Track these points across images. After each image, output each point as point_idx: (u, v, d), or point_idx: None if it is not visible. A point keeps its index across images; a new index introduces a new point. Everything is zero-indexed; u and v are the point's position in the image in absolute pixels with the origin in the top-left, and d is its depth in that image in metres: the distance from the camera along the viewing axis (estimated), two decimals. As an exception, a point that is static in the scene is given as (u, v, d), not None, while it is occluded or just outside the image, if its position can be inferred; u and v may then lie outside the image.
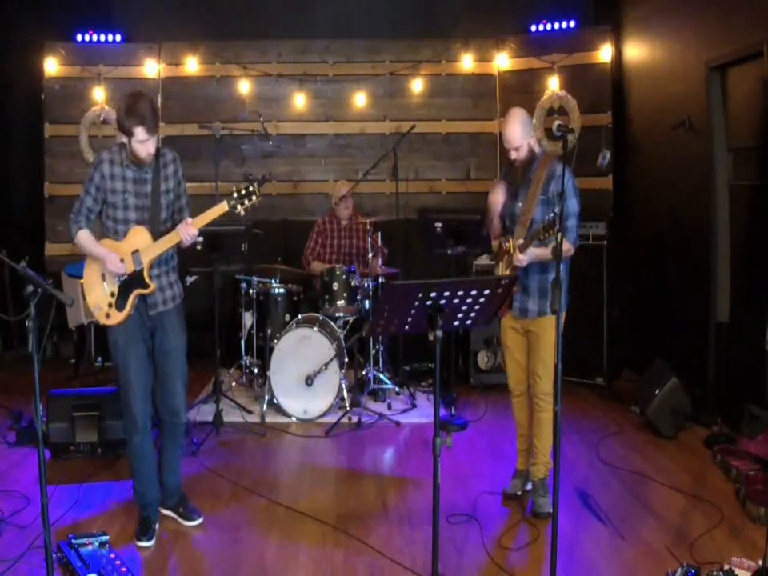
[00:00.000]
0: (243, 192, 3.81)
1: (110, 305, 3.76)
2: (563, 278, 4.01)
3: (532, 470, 4.26)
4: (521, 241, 4.00)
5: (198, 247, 4.28)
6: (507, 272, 4.15)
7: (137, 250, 3.75)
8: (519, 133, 4.07)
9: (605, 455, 4.94)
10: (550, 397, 3.99)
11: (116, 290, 3.77)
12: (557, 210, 3.95)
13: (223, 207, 3.77)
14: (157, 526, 3.90)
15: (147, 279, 3.77)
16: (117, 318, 3.76)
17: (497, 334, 6.48)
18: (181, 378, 3.95)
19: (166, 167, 3.84)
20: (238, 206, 3.81)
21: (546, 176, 4.04)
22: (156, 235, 3.78)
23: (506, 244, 4.15)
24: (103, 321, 3.78)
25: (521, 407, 4.39)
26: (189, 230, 3.72)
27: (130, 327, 3.79)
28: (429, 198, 7.73)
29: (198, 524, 3.99)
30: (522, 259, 3.98)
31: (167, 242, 3.77)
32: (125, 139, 3.69)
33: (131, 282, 3.77)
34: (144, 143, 3.64)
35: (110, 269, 3.73)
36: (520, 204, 4.15)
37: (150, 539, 3.78)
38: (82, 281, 6.46)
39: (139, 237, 3.76)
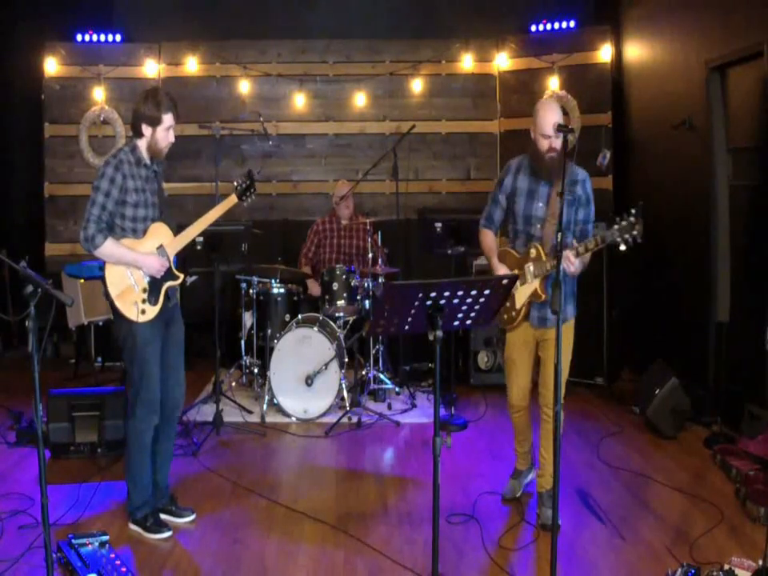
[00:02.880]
0: (244, 185, 4.15)
1: (144, 301, 3.79)
2: (568, 282, 3.96)
3: (539, 482, 4.12)
4: (581, 247, 3.69)
5: (198, 247, 4.35)
6: (537, 283, 3.91)
7: (161, 245, 3.85)
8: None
9: (605, 455, 4.94)
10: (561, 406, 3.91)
11: (146, 286, 3.81)
12: (581, 215, 3.92)
13: (233, 199, 4.09)
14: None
15: (175, 271, 3.90)
16: (152, 312, 3.81)
17: (497, 334, 6.50)
18: (183, 368, 4.06)
19: (159, 166, 3.96)
20: (244, 198, 4.14)
21: (570, 179, 3.84)
22: (172, 230, 3.91)
23: (533, 250, 3.94)
24: (140, 318, 3.77)
25: (523, 419, 4.27)
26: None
27: (156, 322, 3.84)
28: (429, 198, 7.73)
29: (192, 520, 4.00)
30: (575, 264, 3.71)
31: (193, 231, 3.96)
32: (147, 132, 3.77)
33: (162, 276, 3.84)
34: (169, 130, 3.79)
35: (153, 271, 3.79)
36: (541, 205, 3.94)
37: (169, 528, 3.85)
38: (81, 281, 6.57)
39: (160, 232, 3.86)
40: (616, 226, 3.52)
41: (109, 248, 3.68)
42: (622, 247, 3.49)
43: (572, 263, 3.71)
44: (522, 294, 4.00)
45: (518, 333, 4.11)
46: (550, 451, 3.90)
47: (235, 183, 4.17)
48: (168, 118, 3.77)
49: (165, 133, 3.78)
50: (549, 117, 3.87)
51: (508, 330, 4.15)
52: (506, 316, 4.11)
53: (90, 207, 3.66)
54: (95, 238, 3.64)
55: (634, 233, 3.47)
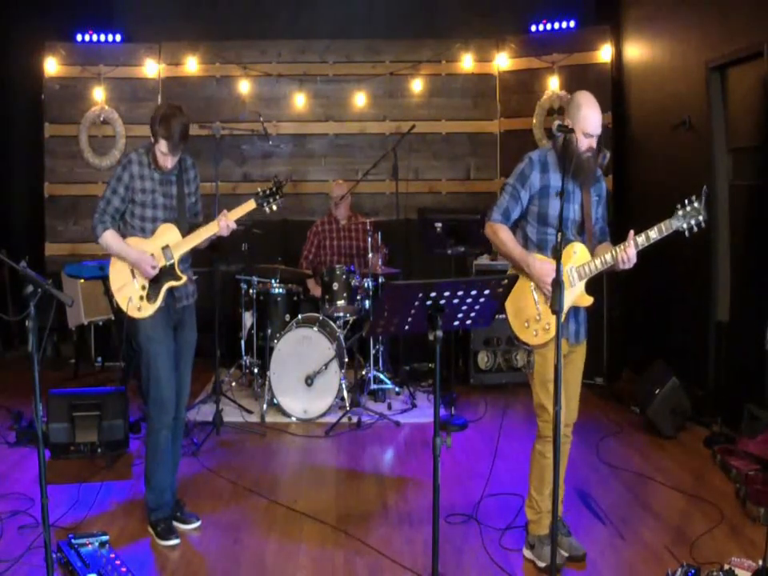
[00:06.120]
0: (268, 192, 4.04)
1: (141, 297, 3.84)
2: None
3: (559, 508, 3.63)
4: (641, 237, 3.53)
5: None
6: (582, 285, 3.55)
7: (167, 245, 3.86)
8: None
9: (605, 455, 4.94)
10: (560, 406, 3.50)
11: (146, 284, 3.85)
12: (600, 213, 3.83)
13: (251, 204, 4.00)
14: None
15: (179, 272, 3.90)
16: (148, 310, 3.84)
17: (497, 334, 6.50)
18: (191, 372, 4.07)
19: (187, 172, 3.98)
20: (264, 204, 4.03)
21: (595, 177, 3.78)
22: (183, 233, 3.90)
23: (575, 249, 3.58)
24: (135, 314, 3.83)
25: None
26: (228, 221, 3.90)
27: (160, 320, 3.86)
28: (429, 198, 7.73)
29: (198, 527, 3.98)
30: (632, 258, 3.52)
31: (204, 233, 3.91)
32: (152, 140, 3.78)
33: (162, 276, 3.86)
34: (164, 156, 3.77)
35: (141, 270, 3.81)
36: (576, 207, 3.66)
37: (177, 536, 3.81)
38: (81, 281, 6.57)
39: (168, 233, 3.88)
40: (680, 212, 3.45)
41: (107, 239, 3.81)
42: (687, 234, 3.44)
43: (630, 257, 3.51)
44: (565, 301, 3.30)
45: (552, 350, 3.31)
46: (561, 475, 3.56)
47: (258, 189, 4.08)
48: (162, 144, 3.71)
49: (159, 153, 3.76)
50: (595, 114, 3.64)
51: (543, 348, 3.52)
52: (535, 332, 3.51)
53: (99, 200, 3.83)
54: (96, 228, 3.82)
55: (700, 218, 3.41)
